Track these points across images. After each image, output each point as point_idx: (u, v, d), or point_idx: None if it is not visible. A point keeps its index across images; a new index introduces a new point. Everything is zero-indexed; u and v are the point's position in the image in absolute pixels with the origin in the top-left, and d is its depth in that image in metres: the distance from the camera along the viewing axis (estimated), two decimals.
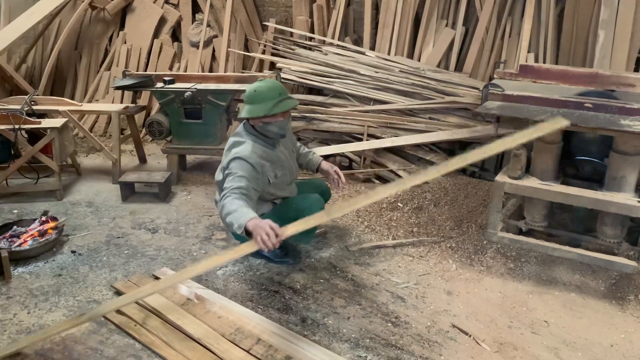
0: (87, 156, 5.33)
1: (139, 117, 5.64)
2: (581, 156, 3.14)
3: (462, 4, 4.81)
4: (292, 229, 2.38)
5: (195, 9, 6.06)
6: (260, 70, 5.61)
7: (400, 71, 4.68)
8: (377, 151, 4.52)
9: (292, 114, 4.79)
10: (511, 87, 3.25)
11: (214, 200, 3.25)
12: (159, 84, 4.45)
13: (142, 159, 5.12)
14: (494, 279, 3.15)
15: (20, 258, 3.31)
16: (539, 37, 4.42)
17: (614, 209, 2.90)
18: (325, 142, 4.81)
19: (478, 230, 3.57)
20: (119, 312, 2.78)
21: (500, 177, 3.18)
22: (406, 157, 4.53)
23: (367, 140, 4.54)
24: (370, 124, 4.56)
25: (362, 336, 2.63)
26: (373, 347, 2.55)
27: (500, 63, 3.98)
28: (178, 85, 4.45)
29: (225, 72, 5.63)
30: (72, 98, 5.93)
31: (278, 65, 5.14)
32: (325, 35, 5.36)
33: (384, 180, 4.48)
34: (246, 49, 5.86)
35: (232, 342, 2.51)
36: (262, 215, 3.06)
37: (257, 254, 3.33)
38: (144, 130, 5.40)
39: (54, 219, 3.63)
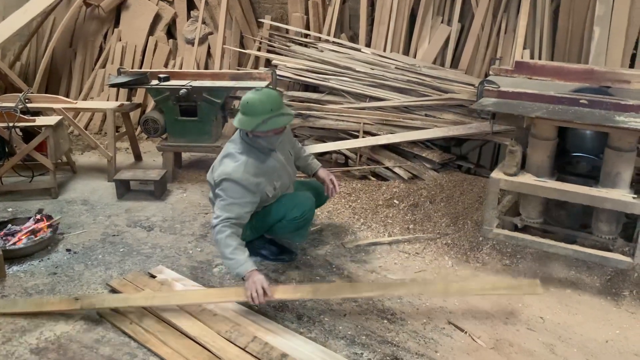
0: (82, 154, 5.31)
1: (134, 115, 5.62)
2: (576, 152, 3.14)
3: (457, 0, 4.80)
4: (281, 294, 2.70)
5: (191, 5, 6.03)
6: (256, 68, 5.60)
7: (396, 68, 4.68)
8: (373, 148, 4.52)
9: None
10: (507, 84, 3.25)
11: (209, 198, 3.25)
12: (154, 82, 4.43)
13: (138, 157, 5.10)
14: (489, 276, 3.15)
15: (15, 257, 3.30)
16: (535, 34, 4.42)
17: (609, 205, 2.90)
18: (321, 140, 4.81)
19: (474, 227, 3.58)
20: (114, 310, 2.78)
21: (496, 174, 3.18)
22: (402, 154, 4.52)
23: (363, 137, 4.53)
24: (366, 121, 4.55)
25: (358, 333, 2.64)
26: (369, 344, 2.56)
27: (495, 60, 3.99)
28: (173, 82, 4.43)
29: (220, 69, 5.61)
30: (67, 96, 5.89)
31: (274, 62, 5.12)
32: (320, 32, 5.35)
33: (379, 177, 4.47)
34: (242, 46, 5.85)
35: (228, 340, 2.50)
36: (255, 215, 3.07)
37: (253, 251, 3.33)
38: (139, 128, 5.37)
39: (49, 217, 3.61)
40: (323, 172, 3.38)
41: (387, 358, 2.47)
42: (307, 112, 4.76)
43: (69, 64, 6.23)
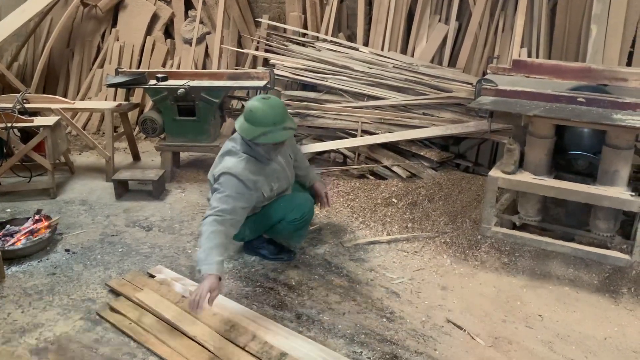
0: (80, 154, 5.31)
1: (132, 115, 5.61)
2: (574, 150, 3.15)
3: None
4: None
5: (188, 5, 6.03)
6: (254, 67, 5.60)
7: (393, 67, 4.68)
8: (371, 147, 4.52)
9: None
10: (504, 82, 3.26)
11: (207, 198, 3.25)
12: (152, 81, 4.43)
13: (136, 157, 5.10)
14: (488, 274, 3.16)
15: (14, 257, 3.30)
16: (532, 32, 4.42)
17: (607, 202, 2.91)
18: (320, 139, 4.81)
19: (472, 225, 3.58)
20: (113, 310, 2.78)
21: (494, 172, 3.19)
22: (400, 152, 4.53)
23: (361, 136, 4.54)
24: (364, 120, 4.56)
25: (357, 332, 2.64)
26: (368, 343, 2.56)
27: (493, 58, 3.98)
28: (171, 82, 4.43)
29: (218, 68, 5.61)
30: (65, 96, 5.90)
31: (271, 61, 5.12)
32: (318, 31, 5.35)
33: (378, 176, 4.48)
34: (239, 45, 5.85)
35: (227, 339, 2.51)
36: (254, 215, 3.08)
37: (252, 250, 3.34)
38: (137, 128, 5.38)
39: (48, 217, 3.61)
40: (319, 185, 3.42)
41: (387, 356, 2.47)
42: (305, 111, 4.76)
43: (67, 64, 6.23)
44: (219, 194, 2.80)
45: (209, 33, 5.89)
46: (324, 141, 4.71)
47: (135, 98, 5.85)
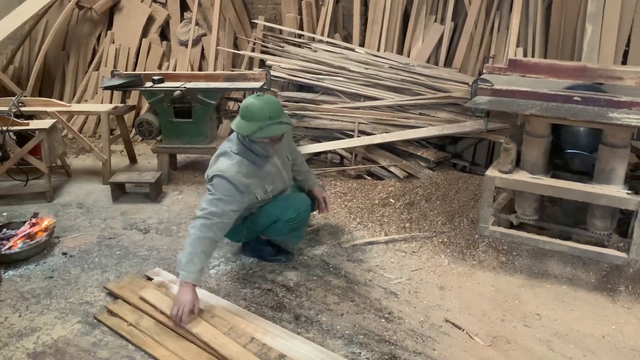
0: (76, 157, 5.29)
1: (129, 117, 5.61)
2: (571, 149, 3.15)
3: None
4: (195, 327, 2.57)
5: (184, 7, 6.02)
6: (250, 68, 5.59)
7: (390, 67, 4.68)
8: (368, 147, 4.52)
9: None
10: (500, 82, 3.26)
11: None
12: (148, 84, 4.42)
13: (133, 159, 5.09)
14: (486, 273, 3.16)
15: (11, 261, 3.29)
16: (528, 32, 4.43)
17: (604, 201, 2.92)
18: (316, 140, 4.81)
19: (470, 225, 3.59)
20: (111, 313, 2.78)
21: (491, 172, 3.19)
22: (397, 153, 4.53)
23: (357, 136, 4.54)
24: (361, 120, 4.56)
25: (356, 332, 2.64)
26: (367, 343, 2.56)
27: (489, 58, 4.00)
28: (167, 84, 4.42)
29: (214, 70, 5.61)
30: (61, 99, 5.89)
31: (268, 62, 5.12)
32: (314, 32, 5.35)
33: (375, 176, 4.48)
34: (235, 47, 5.84)
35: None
36: (251, 215, 3.08)
37: (250, 252, 3.34)
38: (133, 130, 5.36)
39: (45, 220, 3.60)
40: (318, 190, 3.41)
41: (385, 357, 2.47)
42: (302, 112, 4.76)
43: (62, 67, 6.21)
44: (210, 196, 2.82)
45: (204, 35, 5.89)
46: (320, 142, 4.71)
47: (132, 100, 5.84)
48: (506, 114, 3.13)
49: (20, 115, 4.31)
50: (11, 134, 4.12)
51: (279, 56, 5.23)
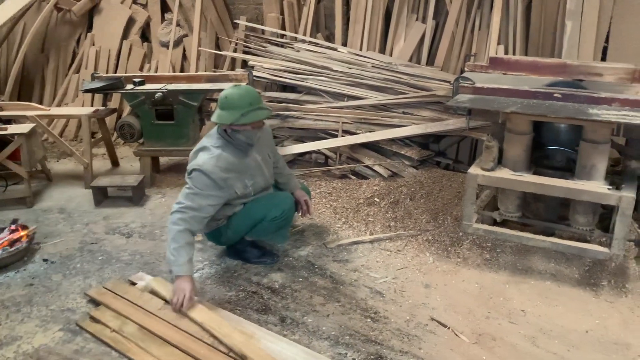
0: (57, 161, 5.22)
1: (110, 120, 5.55)
2: (552, 146, 3.17)
3: None
4: (197, 314, 2.63)
5: (165, 8, 5.98)
6: (232, 69, 5.56)
7: (372, 66, 4.69)
8: (353, 147, 4.52)
9: None
10: (482, 80, 3.26)
11: None
12: (129, 86, 4.37)
13: (115, 163, 5.03)
14: (470, 270, 3.17)
15: None
16: (508, 29, 4.46)
17: (585, 197, 2.94)
18: (300, 140, 4.80)
19: (454, 223, 3.60)
20: (93, 319, 2.74)
21: (473, 170, 3.20)
22: (381, 151, 4.54)
23: (342, 136, 4.54)
24: (345, 120, 4.56)
25: (342, 333, 2.63)
26: (353, 344, 2.55)
27: (470, 56, 4.01)
28: (148, 86, 4.38)
29: (196, 71, 5.57)
30: (41, 102, 5.80)
31: (250, 63, 5.09)
32: (296, 32, 5.34)
33: (360, 176, 4.48)
34: (217, 47, 5.81)
35: (211, 346, 2.48)
36: (235, 216, 3.07)
37: (235, 254, 3.32)
38: (115, 133, 5.30)
39: (24, 227, 3.54)
40: (300, 194, 3.40)
41: (371, 357, 2.46)
42: (286, 112, 4.74)
43: (42, 70, 6.13)
44: (187, 190, 2.86)
45: (186, 36, 5.84)
46: (304, 142, 4.70)
47: (113, 103, 5.79)
48: (488, 112, 3.13)
49: None
50: None
51: (262, 56, 5.21)
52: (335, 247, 3.45)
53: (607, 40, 4.06)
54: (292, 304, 2.87)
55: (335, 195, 4.13)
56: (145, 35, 6.08)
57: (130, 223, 3.86)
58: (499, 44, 4.40)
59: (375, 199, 4.03)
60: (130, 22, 5.98)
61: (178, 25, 5.79)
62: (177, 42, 5.81)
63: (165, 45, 5.83)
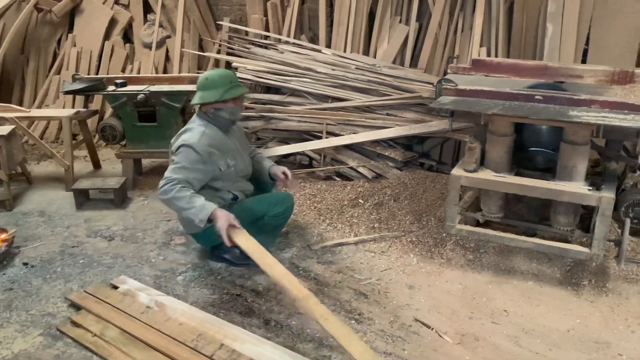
0: (38, 164, 5.15)
1: (92, 122, 5.47)
2: (534, 147, 3.20)
3: (414, 0, 4.85)
4: (245, 241, 2.76)
5: (147, 9, 5.92)
6: None
7: (356, 68, 4.69)
8: (337, 148, 4.52)
9: (250, 113, 4.75)
10: (464, 82, 3.29)
11: None
12: (111, 87, 4.33)
13: (96, 165, 4.98)
14: (454, 271, 3.19)
15: None
16: (491, 31, 4.49)
17: (566, 197, 2.97)
18: (285, 141, 4.78)
19: (437, 224, 3.62)
20: (74, 324, 2.70)
21: (456, 171, 3.22)
22: (365, 153, 4.54)
23: (326, 138, 4.53)
24: (329, 121, 4.55)
25: (326, 335, 2.62)
26: (337, 346, 2.54)
27: (453, 58, 4.03)
28: (130, 87, 4.34)
29: (179, 73, 5.53)
30: (20, 104, 5.71)
31: (234, 64, 5.07)
32: (280, 34, 5.32)
33: (344, 177, 4.48)
34: (201, 48, 5.77)
35: (194, 349, 2.46)
36: (232, 209, 3.07)
37: (219, 257, 3.30)
38: (97, 135, 5.24)
39: (4, 230, 3.48)
40: (276, 168, 3.44)
41: None
42: (270, 114, 4.73)
43: (22, 71, 6.03)
44: (174, 165, 2.97)
45: (169, 37, 5.80)
46: (289, 144, 4.69)
47: (95, 104, 5.72)
48: (470, 114, 3.15)
49: None
50: None
51: (245, 58, 5.18)
52: (319, 249, 3.45)
53: (587, 43, 4.11)
54: (276, 307, 2.86)
55: (319, 197, 4.13)
56: (127, 36, 6.02)
57: (112, 226, 3.82)
58: (481, 46, 4.43)
59: (360, 200, 4.03)
60: (112, 22, 5.91)
61: (161, 26, 5.74)
62: (160, 43, 5.76)
63: (147, 46, 5.78)
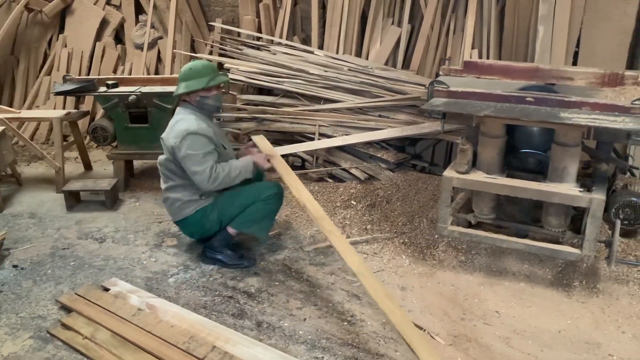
0: (28, 165, 5.11)
1: (83, 123, 5.43)
2: (525, 149, 3.22)
3: (407, 2, 4.85)
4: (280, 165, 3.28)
5: (139, 9, 5.90)
6: None
7: (349, 70, 4.69)
8: (329, 150, 4.52)
9: (242, 114, 4.75)
10: (456, 84, 3.30)
11: (163, 198, 3.31)
12: (102, 88, 4.30)
13: (88, 166, 4.95)
14: (446, 273, 3.20)
15: None
16: (482, 34, 4.51)
17: (557, 199, 2.99)
18: (277, 143, 4.77)
19: (429, 225, 3.63)
20: (65, 326, 2.68)
21: (448, 172, 3.23)
22: (358, 155, 4.54)
23: (318, 139, 4.53)
24: (322, 123, 4.55)
25: (319, 337, 2.63)
26: (330, 348, 2.55)
27: (445, 60, 4.04)
28: (122, 89, 4.31)
29: (171, 74, 5.50)
30: (11, 105, 5.67)
31: (226, 65, 5.06)
32: (273, 35, 5.32)
33: (336, 179, 4.48)
34: (193, 50, 5.75)
35: (186, 351, 2.45)
36: (221, 197, 3.21)
37: (211, 259, 3.29)
38: (88, 137, 5.21)
39: None
40: (243, 149, 3.55)
41: None
42: (262, 115, 4.72)
43: (12, 71, 5.99)
44: (195, 157, 3.04)
45: (160, 38, 5.78)
46: (281, 145, 4.68)
47: (86, 105, 5.69)
48: (462, 116, 3.17)
49: None
50: None
51: (238, 59, 5.17)
52: (311, 251, 3.44)
53: (578, 45, 4.14)
54: (268, 308, 2.86)
55: None
56: (119, 37, 5.99)
57: (103, 228, 3.80)
58: (473, 48, 4.45)
59: (352, 201, 4.03)
60: (104, 23, 5.88)
61: (152, 27, 5.72)
62: (152, 44, 5.74)
63: (139, 47, 5.76)
